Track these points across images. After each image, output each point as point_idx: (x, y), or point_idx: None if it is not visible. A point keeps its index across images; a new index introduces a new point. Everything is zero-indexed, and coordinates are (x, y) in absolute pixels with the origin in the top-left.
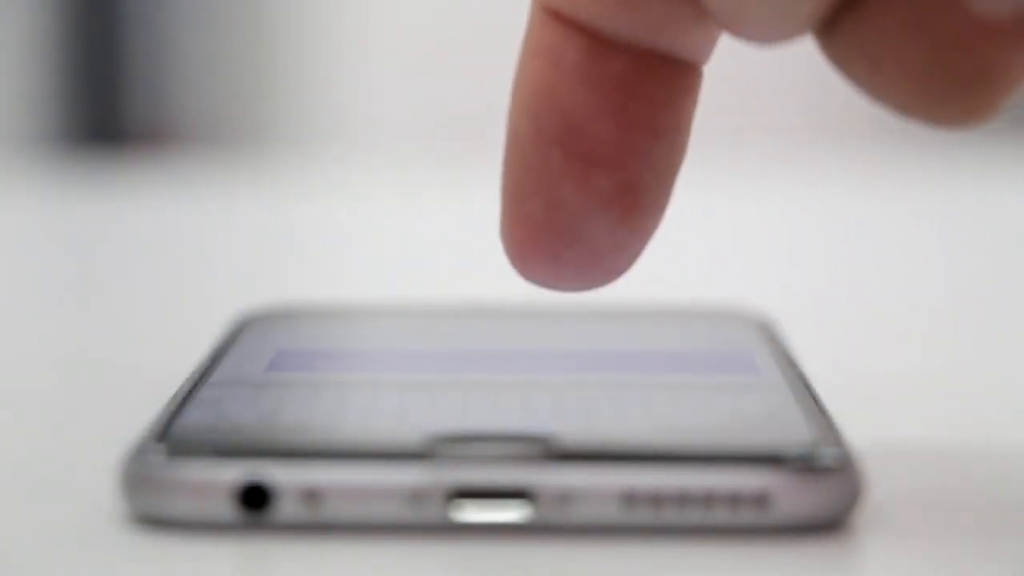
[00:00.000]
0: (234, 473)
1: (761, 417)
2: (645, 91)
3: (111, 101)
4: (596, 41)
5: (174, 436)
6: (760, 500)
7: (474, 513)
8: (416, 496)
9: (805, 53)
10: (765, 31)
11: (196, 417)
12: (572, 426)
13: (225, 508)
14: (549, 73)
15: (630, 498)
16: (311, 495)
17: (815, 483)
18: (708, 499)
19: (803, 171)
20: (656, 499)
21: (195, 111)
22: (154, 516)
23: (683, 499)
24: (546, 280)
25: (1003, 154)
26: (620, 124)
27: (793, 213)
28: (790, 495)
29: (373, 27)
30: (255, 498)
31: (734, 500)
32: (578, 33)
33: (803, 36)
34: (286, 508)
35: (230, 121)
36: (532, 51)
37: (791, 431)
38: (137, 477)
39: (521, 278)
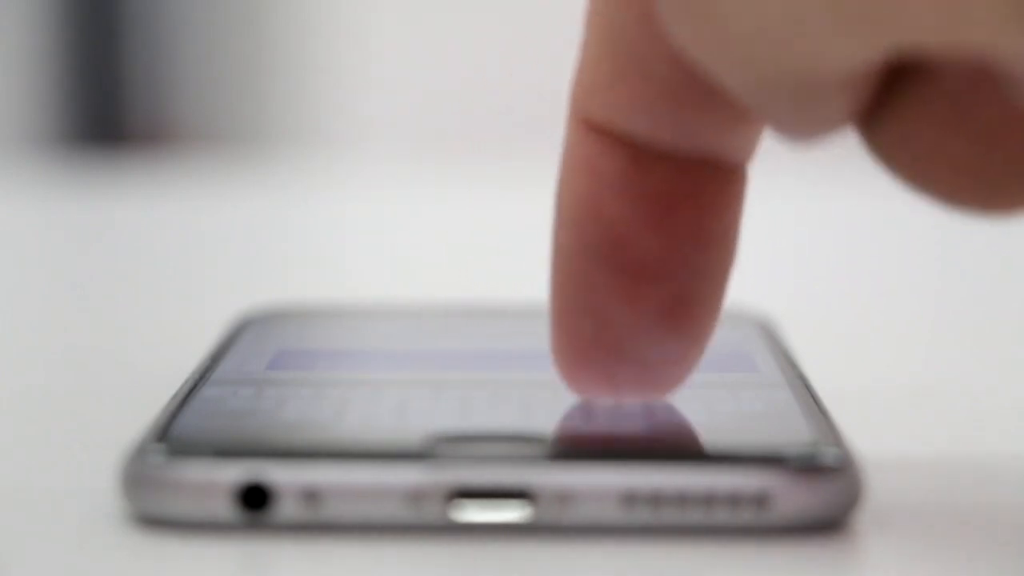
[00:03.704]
0: (234, 473)
1: (761, 417)
2: (689, 200)
3: (111, 101)
4: (635, 151)
5: (174, 436)
6: (760, 500)
7: (474, 513)
8: (416, 496)
9: None
10: (799, 129)
11: (196, 417)
12: (572, 426)
13: (225, 508)
14: (589, 187)
15: (630, 498)
16: (311, 495)
17: (815, 483)
18: (708, 499)
19: (804, 171)
20: (656, 499)
21: (195, 111)
22: (154, 516)
23: (683, 499)
24: (601, 396)
25: None
26: (666, 236)
27: (794, 213)
28: (790, 495)
29: (374, 26)
30: (255, 498)
31: (734, 500)
32: (617, 144)
33: (840, 132)
34: (286, 508)
35: (230, 120)
36: (571, 165)
37: (791, 431)
38: (137, 477)
39: (575, 394)
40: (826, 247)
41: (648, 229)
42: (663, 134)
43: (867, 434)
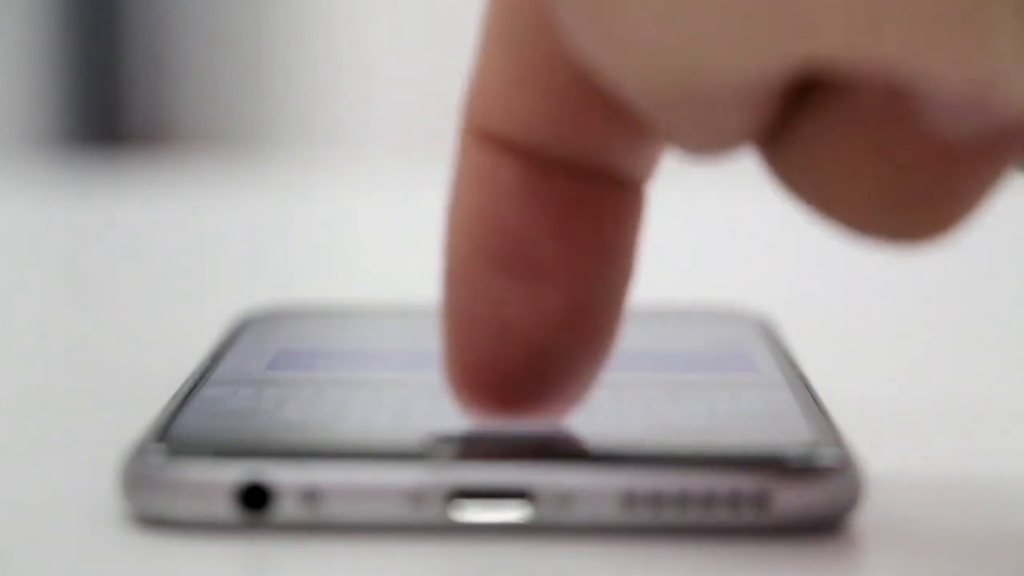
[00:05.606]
0: (234, 473)
1: (761, 417)
2: (587, 212)
3: (111, 101)
4: (534, 162)
5: (174, 436)
6: (760, 500)
7: (474, 513)
8: (416, 496)
9: None
10: (698, 143)
11: (196, 417)
12: (572, 426)
13: (225, 508)
14: (487, 197)
15: (630, 498)
16: (311, 495)
17: (815, 483)
18: (708, 499)
19: None
20: (656, 499)
21: (195, 111)
22: (154, 516)
23: (683, 499)
24: (498, 413)
25: None
26: (566, 245)
27: (793, 212)
28: (790, 495)
29: (373, 27)
30: (255, 498)
31: (734, 500)
32: (514, 154)
33: (740, 150)
34: (286, 508)
35: (230, 121)
36: (467, 175)
37: (791, 431)
38: (137, 477)
39: (468, 414)
40: (825, 246)
41: (548, 238)
42: (561, 147)
43: (867, 435)
